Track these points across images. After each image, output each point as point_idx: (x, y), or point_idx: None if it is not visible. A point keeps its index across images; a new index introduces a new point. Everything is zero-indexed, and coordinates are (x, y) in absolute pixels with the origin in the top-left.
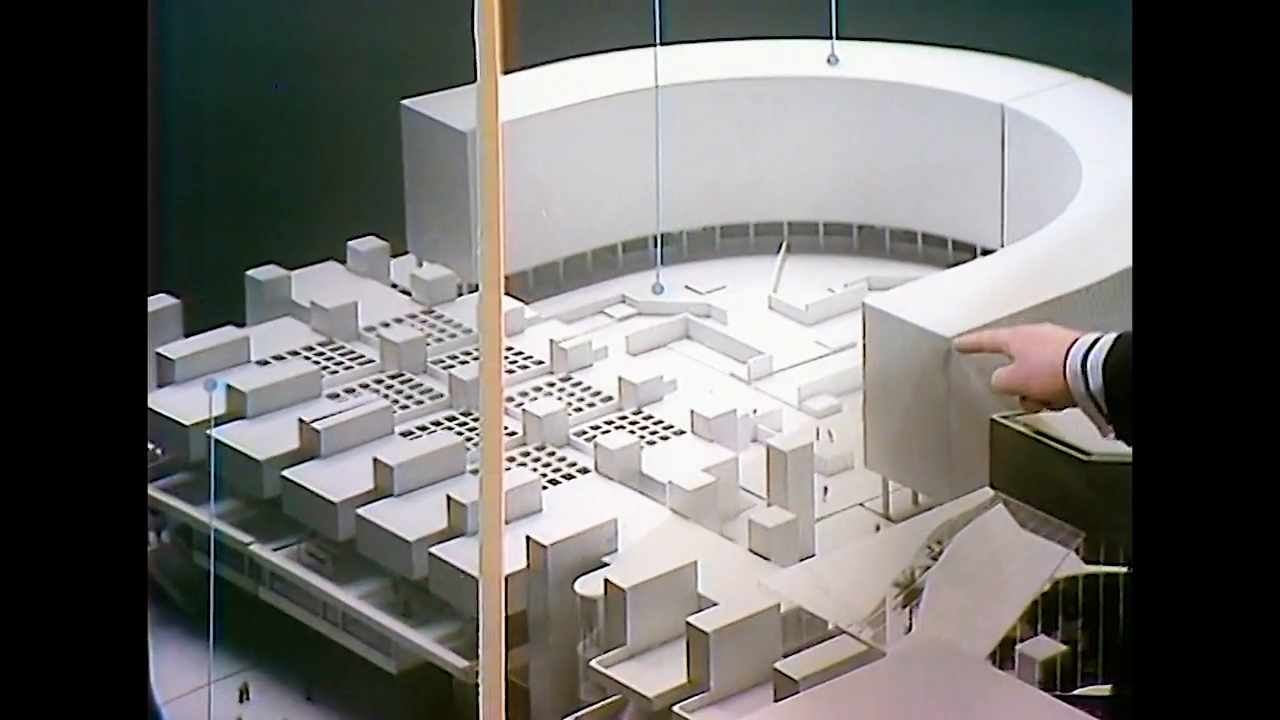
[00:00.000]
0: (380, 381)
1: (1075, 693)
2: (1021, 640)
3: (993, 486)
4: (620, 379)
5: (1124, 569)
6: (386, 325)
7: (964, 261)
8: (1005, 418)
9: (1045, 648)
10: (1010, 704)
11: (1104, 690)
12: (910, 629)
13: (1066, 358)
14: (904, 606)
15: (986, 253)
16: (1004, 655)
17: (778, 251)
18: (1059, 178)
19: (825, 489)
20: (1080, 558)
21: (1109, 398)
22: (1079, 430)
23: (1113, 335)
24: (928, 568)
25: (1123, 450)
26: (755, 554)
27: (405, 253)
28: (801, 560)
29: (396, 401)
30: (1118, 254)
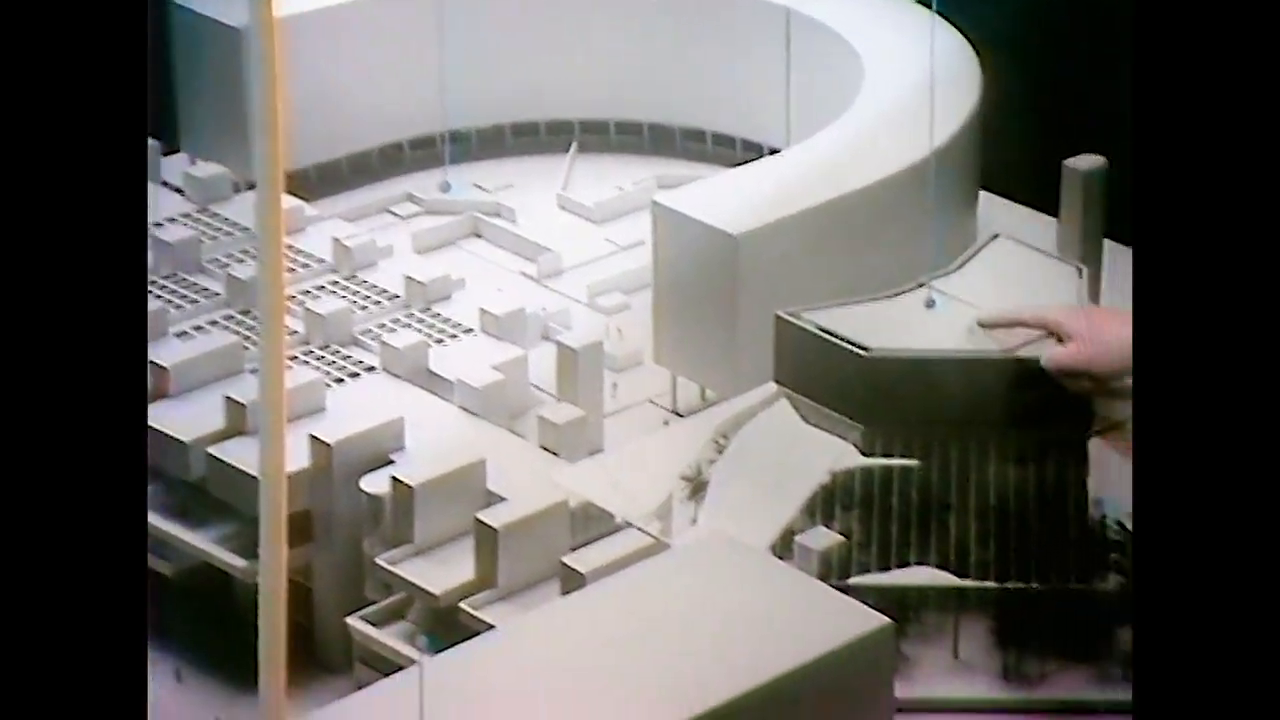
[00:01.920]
0: (154, 282)
1: (850, 582)
2: (801, 532)
3: (777, 382)
4: (407, 277)
5: (898, 461)
6: (159, 225)
7: (752, 160)
8: (790, 314)
9: (823, 539)
10: (790, 593)
11: (880, 579)
12: (695, 522)
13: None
14: (690, 499)
15: (773, 152)
16: (784, 546)
17: (567, 150)
18: (842, 78)
19: (615, 385)
20: (858, 450)
21: None
22: (859, 326)
23: None
24: (713, 462)
25: (901, 347)
26: (545, 450)
27: (177, 150)
28: (590, 455)
29: (171, 302)
30: (900, 153)
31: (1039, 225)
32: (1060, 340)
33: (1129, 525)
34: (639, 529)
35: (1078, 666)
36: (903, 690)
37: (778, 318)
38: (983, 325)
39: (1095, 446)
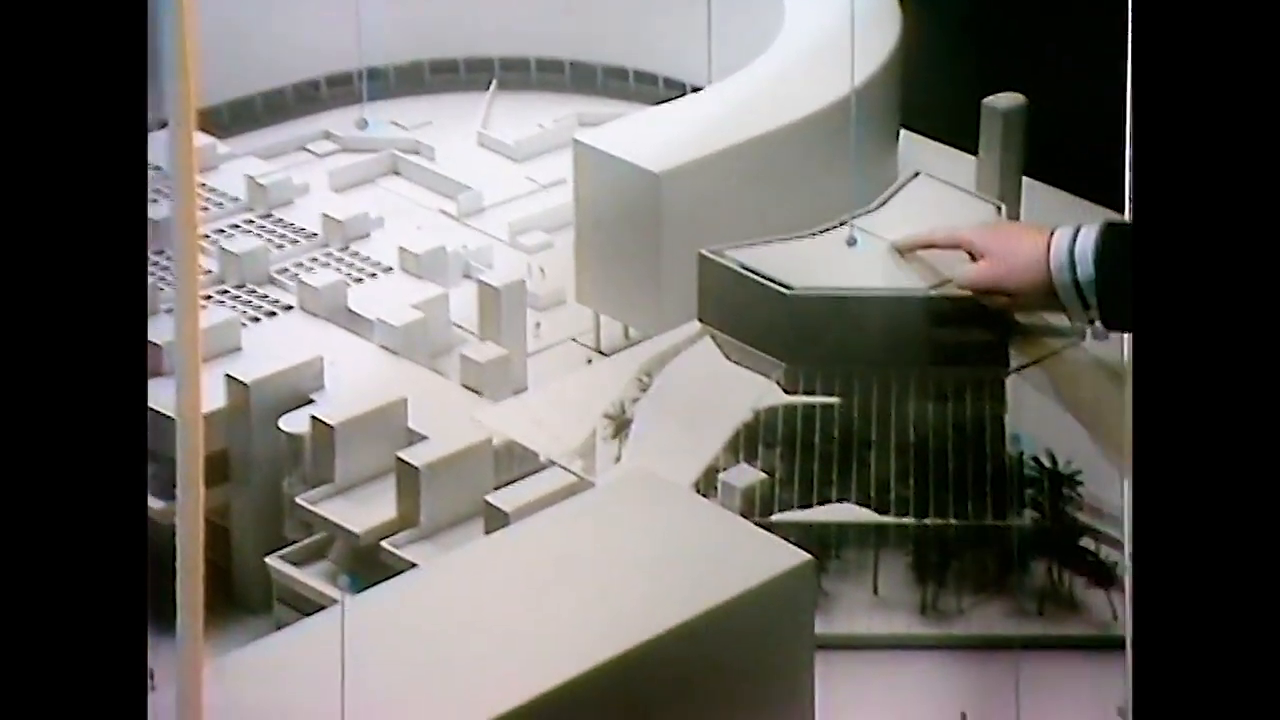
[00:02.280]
0: None
1: (772, 519)
2: (724, 469)
3: (700, 320)
4: (324, 215)
5: (820, 398)
6: None
7: (674, 98)
8: (713, 252)
9: (746, 476)
10: (712, 530)
11: (801, 516)
12: (619, 459)
13: (1049, 250)
14: (614, 438)
15: (696, 90)
16: (708, 484)
17: (487, 87)
18: (764, 16)
19: (538, 324)
20: (781, 388)
21: (1101, 283)
22: (782, 264)
23: (1094, 225)
24: (637, 400)
25: (823, 285)
26: (467, 389)
27: None
28: (514, 394)
29: None
30: (821, 91)
31: (959, 163)
32: (974, 259)
33: (1045, 462)
34: (562, 467)
35: (994, 602)
36: (823, 626)
37: (701, 256)
38: (898, 249)
39: (1013, 384)
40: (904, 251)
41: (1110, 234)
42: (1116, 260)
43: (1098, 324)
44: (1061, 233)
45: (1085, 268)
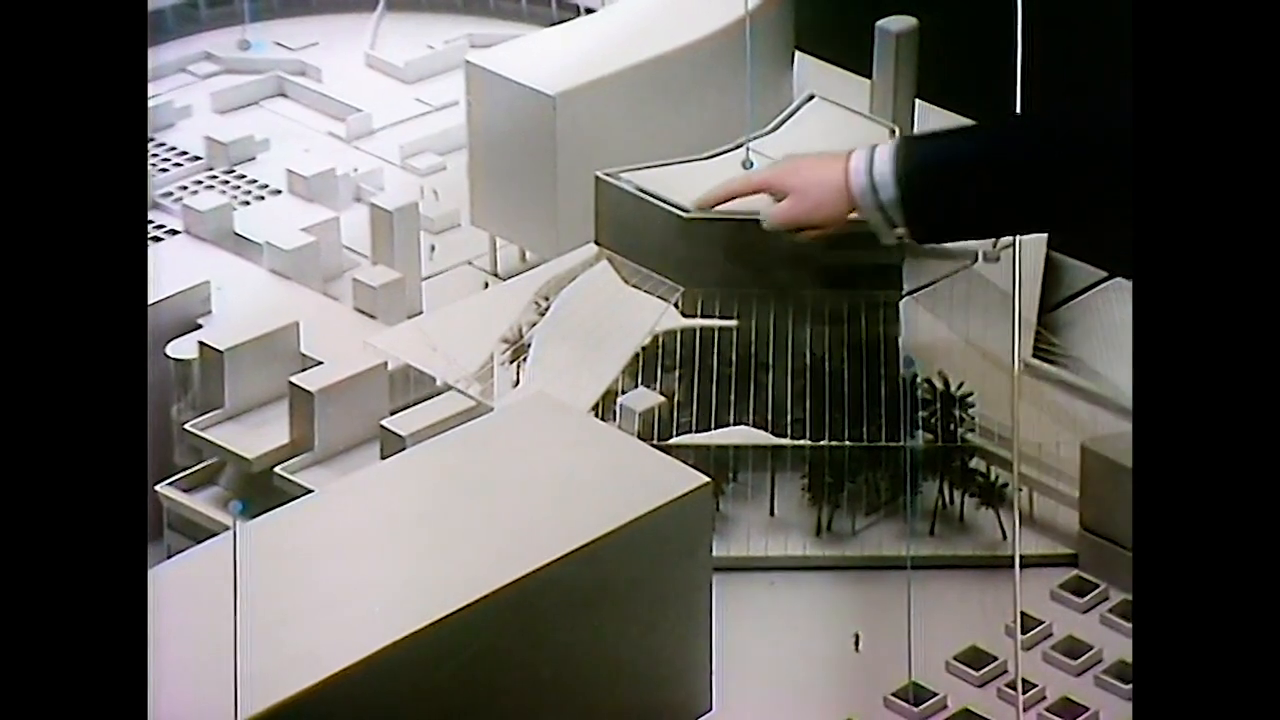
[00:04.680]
0: None
1: (670, 442)
2: (623, 393)
3: (597, 243)
4: (207, 138)
5: (716, 322)
6: None
7: (568, 20)
8: (609, 175)
9: (645, 399)
10: (611, 454)
11: (699, 439)
12: (517, 384)
13: (848, 176)
14: (511, 362)
15: (589, 11)
16: (606, 407)
17: (374, 7)
18: None
19: (432, 247)
20: (678, 311)
21: (905, 201)
22: (678, 187)
23: (888, 145)
24: (535, 323)
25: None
26: (361, 313)
27: None
28: (408, 319)
29: None
30: (715, 13)
31: (853, 86)
32: (778, 199)
33: (937, 384)
34: (460, 391)
35: (886, 523)
36: (720, 548)
37: (597, 179)
38: (700, 208)
39: (907, 307)
40: (707, 207)
41: (906, 149)
42: (915, 174)
43: (906, 239)
44: (858, 156)
45: (887, 188)
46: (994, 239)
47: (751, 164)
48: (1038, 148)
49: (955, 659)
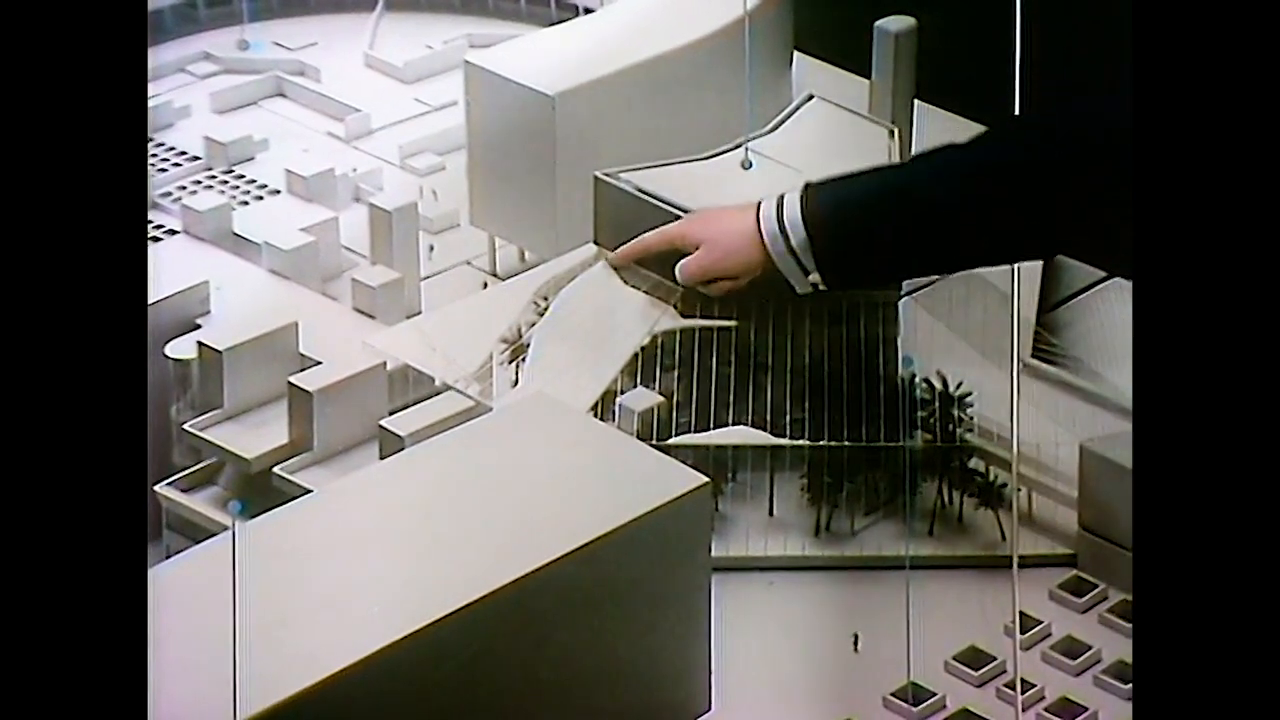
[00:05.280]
0: None
1: (669, 442)
2: (622, 393)
3: (596, 243)
4: (206, 138)
5: (716, 321)
6: None
7: (567, 19)
8: (608, 175)
9: (644, 399)
10: (611, 454)
11: (698, 439)
12: (516, 384)
13: (759, 223)
14: (510, 362)
15: (588, 11)
16: (605, 407)
17: (373, 7)
18: None
19: (431, 247)
20: (677, 312)
21: (817, 246)
22: (677, 186)
23: (795, 191)
24: (534, 323)
25: (719, 207)
26: (360, 313)
27: None
28: (407, 319)
29: None
30: (715, 12)
31: (852, 86)
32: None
33: (935, 384)
34: (459, 392)
35: (885, 523)
36: (719, 548)
37: (596, 179)
38: (615, 266)
39: (905, 307)
40: (620, 266)
41: (814, 191)
42: (823, 215)
43: (821, 286)
44: (767, 204)
45: (797, 233)
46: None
47: (750, 164)
48: (940, 182)
49: (954, 659)
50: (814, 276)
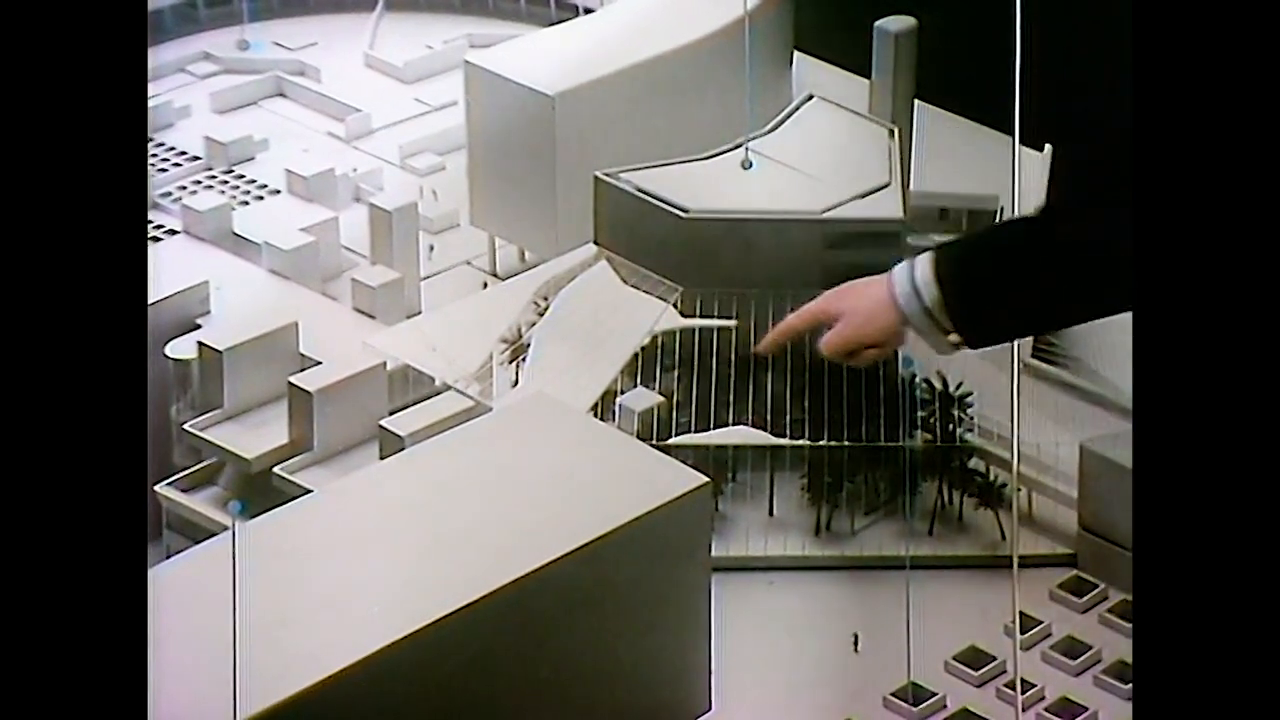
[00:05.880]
0: None
1: (669, 442)
2: (622, 393)
3: (596, 243)
4: (207, 138)
5: (716, 321)
6: None
7: (567, 20)
8: (608, 175)
9: (644, 399)
10: (610, 453)
11: (698, 439)
12: (517, 383)
13: (893, 289)
14: (511, 362)
15: (588, 11)
16: (605, 407)
17: (373, 7)
18: None
19: (431, 247)
20: (677, 311)
21: (948, 300)
22: (677, 186)
23: (926, 254)
24: (534, 323)
25: (718, 208)
26: (360, 313)
27: None
28: (408, 319)
29: None
30: (715, 13)
31: (852, 86)
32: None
33: (935, 384)
34: (459, 391)
35: (885, 523)
36: (720, 548)
37: (596, 179)
38: (761, 353)
39: None
40: (770, 352)
41: (945, 250)
42: (955, 276)
43: (962, 346)
44: (900, 266)
45: (930, 292)
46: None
47: (750, 164)
48: (1067, 236)
49: (954, 659)
50: (954, 337)
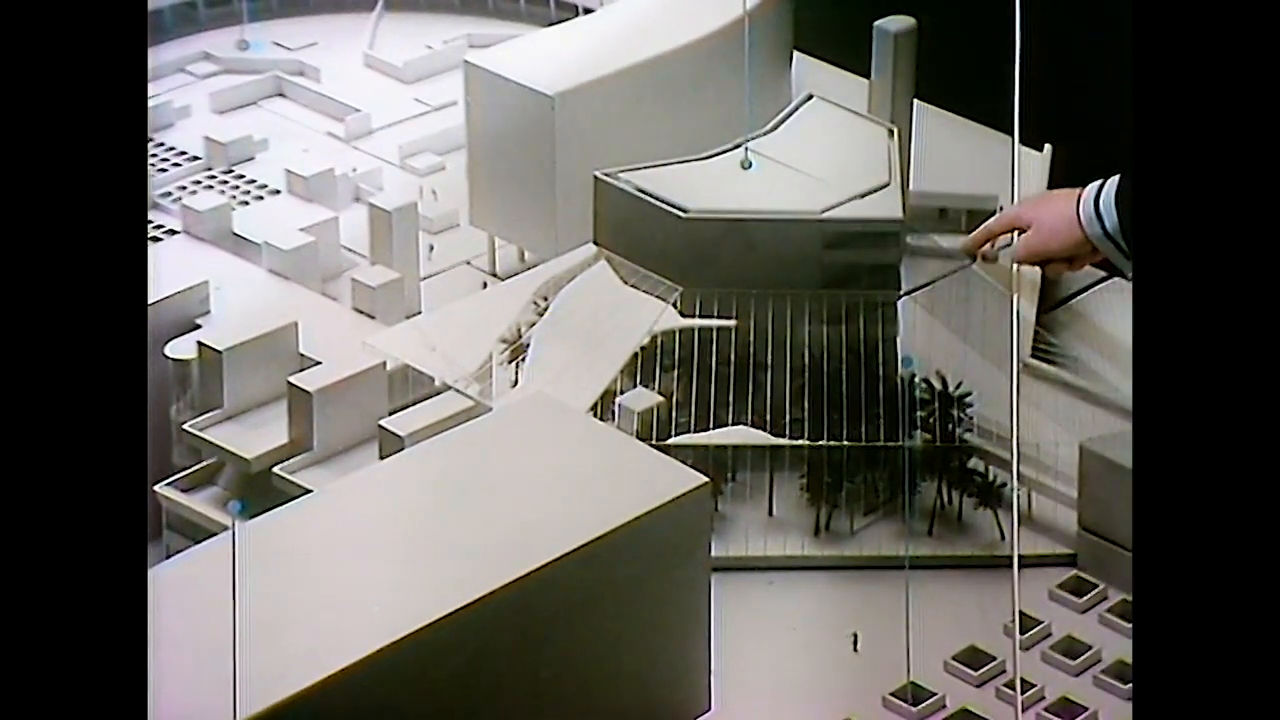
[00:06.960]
0: None
1: (669, 442)
2: (622, 393)
3: (596, 243)
4: (206, 138)
5: (715, 321)
6: None
7: (566, 20)
8: (608, 174)
9: (643, 399)
10: (610, 453)
11: (698, 439)
12: (516, 384)
13: (1079, 207)
14: (510, 362)
15: (588, 11)
16: (605, 407)
17: (373, 7)
18: None
19: (431, 247)
20: (677, 311)
21: (1127, 231)
22: (677, 186)
23: (1116, 177)
24: (533, 323)
25: (717, 208)
26: (360, 313)
27: None
28: (407, 319)
29: None
30: (714, 13)
31: (852, 86)
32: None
33: (935, 384)
34: (459, 391)
35: (885, 523)
36: (719, 548)
37: (596, 179)
38: (966, 251)
39: (905, 307)
40: (972, 252)
41: (1128, 180)
42: None
43: None
44: (1089, 187)
45: (1111, 217)
46: None
47: (750, 164)
48: None
49: (954, 659)
50: None
